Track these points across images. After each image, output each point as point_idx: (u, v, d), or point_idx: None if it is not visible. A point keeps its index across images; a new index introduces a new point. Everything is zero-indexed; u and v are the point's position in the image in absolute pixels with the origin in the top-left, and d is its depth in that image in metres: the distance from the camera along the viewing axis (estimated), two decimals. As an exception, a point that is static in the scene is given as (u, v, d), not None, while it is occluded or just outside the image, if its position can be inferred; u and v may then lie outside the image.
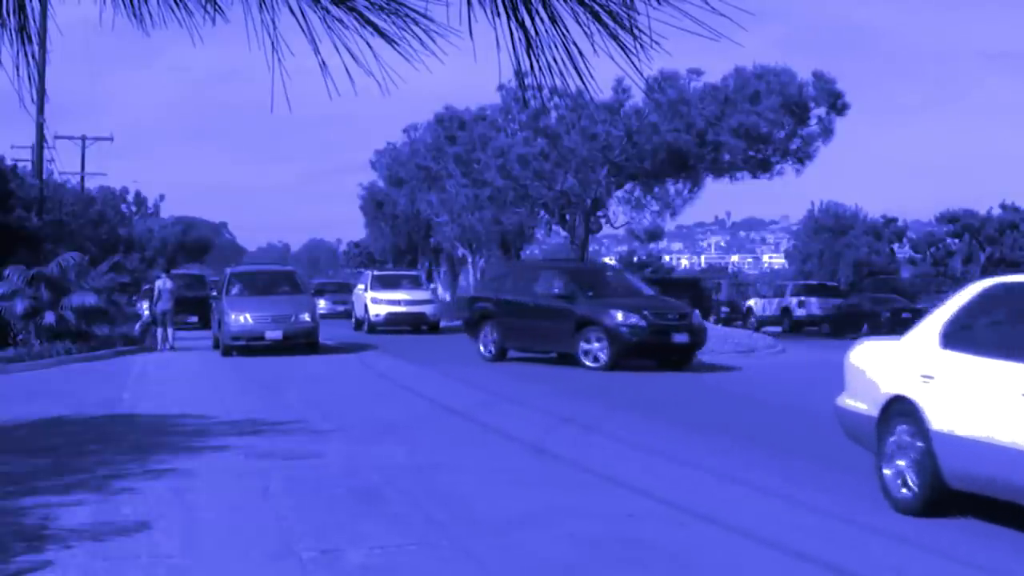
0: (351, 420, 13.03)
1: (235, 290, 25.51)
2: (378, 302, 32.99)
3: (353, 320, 35.83)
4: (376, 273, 36.26)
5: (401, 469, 9.57)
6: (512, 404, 14.79)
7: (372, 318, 32.87)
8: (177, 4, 2.60)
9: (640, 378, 18.64)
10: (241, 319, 24.02)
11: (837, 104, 35.00)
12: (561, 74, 2.45)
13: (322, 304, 41.90)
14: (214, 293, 27.66)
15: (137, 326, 27.72)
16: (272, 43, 2.49)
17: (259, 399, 15.52)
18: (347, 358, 23.68)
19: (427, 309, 33.65)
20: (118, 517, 7.46)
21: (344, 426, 12.47)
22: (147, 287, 30.76)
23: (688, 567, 6.37)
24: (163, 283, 27.08)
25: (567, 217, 39.22)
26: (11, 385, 17.95)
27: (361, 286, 35.06)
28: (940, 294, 50.31)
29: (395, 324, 32.83)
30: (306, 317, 24.60)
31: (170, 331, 26.66)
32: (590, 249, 43.49)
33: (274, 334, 24.06)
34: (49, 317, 23.21)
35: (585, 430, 12.19)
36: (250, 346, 23.99)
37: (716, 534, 7.15)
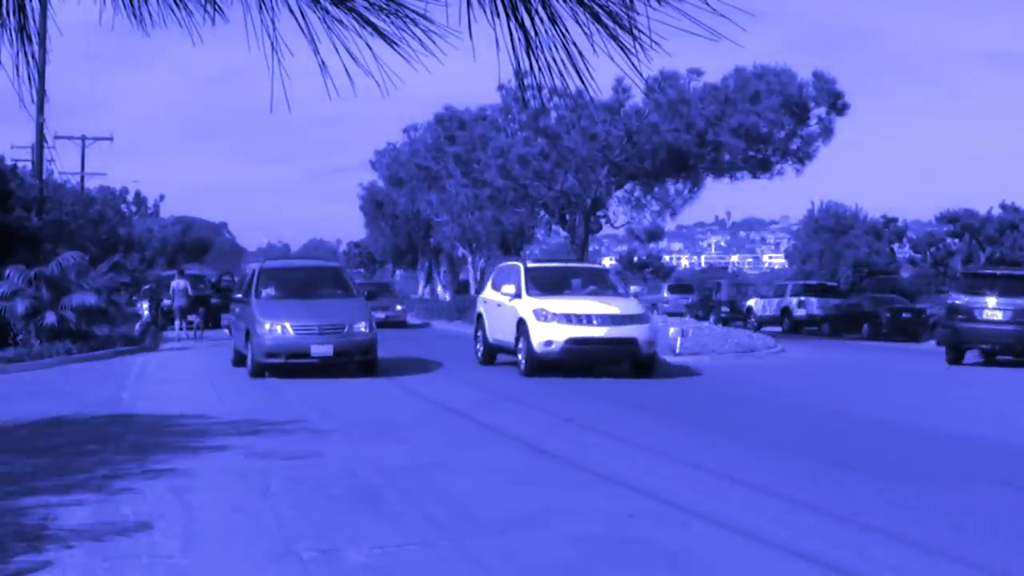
0: (351, 420, 13.04)
1: (267, 291, 20.00)
2: (547, 318, 18.51)
3: (479, 347, 21.77)
4: (532, 265, 21.05)
5: (401, 469, 9.58)
6: None
7: (538, 349, 18.37)
8: (177, 4, 2.61)
9: None
10: (279, 329, 18.67)
11: (837, 104, 35.03)
12: (561, 74, 2.46)
13: None
14: (239, 296, 21.19)
15: (137, 326, 27.75)
16: (272, 43, 2.50)
17: (259, 399, 15.52)
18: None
19: (638, 332, 18.64)
20: (118, 517, 7.46)
21: (344, 426, 12.48)
22: (147, 287, 30.99)
23: (688, 567, 6.37)
24: (177, 283, 31.01)
25: (567, 217, 39.24)
26: (11, 385, 17.94)
27: (509, 288, 20.14)
28: (940, 294, 50.45)
29: (582, 359, 18.72)
30: (362, 327, 19.12)
31: (184, 324, 30.70)
32: (590, 249, 43.49)
33: (323, 349, 18.66)
34: (49, 317, 23.21)
35: None
36: (290, 364, 18.65)
37: (716, 534, 7.15)
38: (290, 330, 18.71)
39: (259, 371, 18.81)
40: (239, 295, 21.09)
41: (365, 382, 17.97)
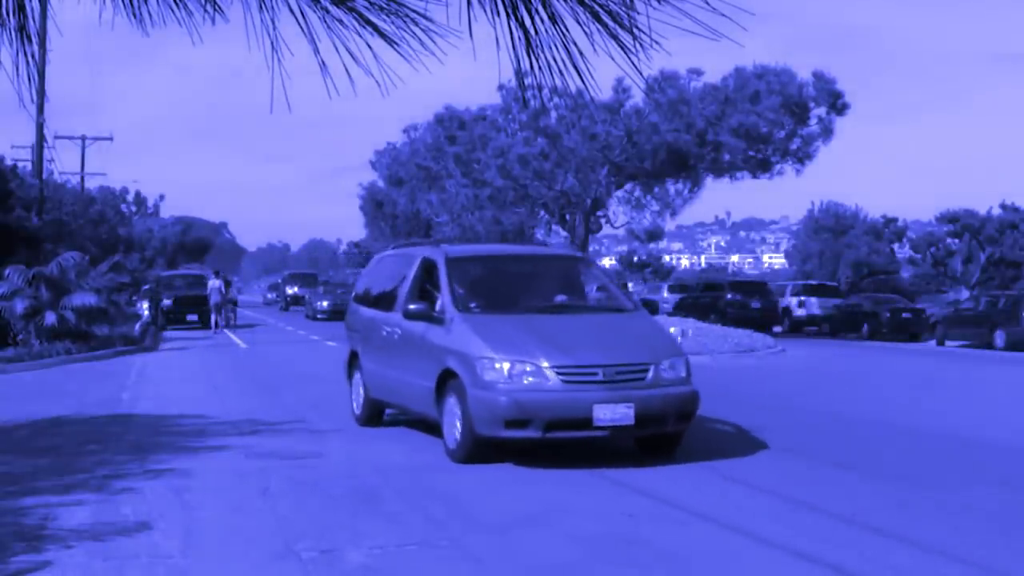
0: (351, 420, 13.02)
1: (462, 296, 10.89)
2: None
3: None
4: None
5: (400, 469, 9.57)
6: None
7: None
8: (177, 4, 2.61)
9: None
10: (526, 374, 9.68)
11: (837, 104, 35.00)
12: (561, 74, 2.46)
13: None
14: (415, 309, 10.96)
15: (137, 326, 27.75)
16: (272, 43, 2.50)
17: (259, 399, 15.51)
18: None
19: None
20: (118, 517, 7.46)
21: (344, 426, 12.47)
22: (147, 287, 31.10)
23: (688, 567, 6.37)
24: (212, 283, 34.48)
25: (567, 217, 39.23)
26: (11, 385, 17.94)
27: None
28: (940, 294, 50.44)
29: None
30: (672, 370, 10.39)
31: (220, 319, 34.13)
32: (590, 249, 43.46)
33: (615, 412, 9.55)
34: (49, 317, 23.19)
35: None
36: (549, 440, 9.69)
37: (716, 534, 7.15)
38: (551, 375, 9.67)
39: (481, 452, 9.84)
40: (413, 307, 11.04)
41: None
